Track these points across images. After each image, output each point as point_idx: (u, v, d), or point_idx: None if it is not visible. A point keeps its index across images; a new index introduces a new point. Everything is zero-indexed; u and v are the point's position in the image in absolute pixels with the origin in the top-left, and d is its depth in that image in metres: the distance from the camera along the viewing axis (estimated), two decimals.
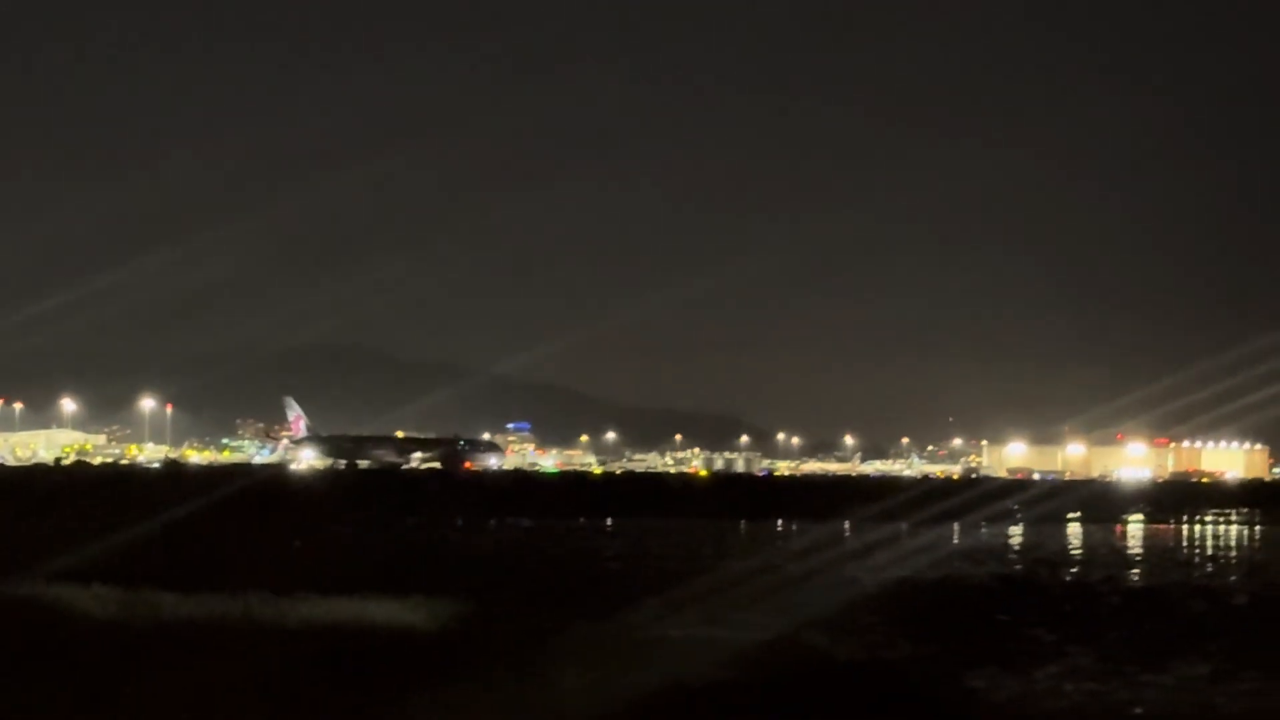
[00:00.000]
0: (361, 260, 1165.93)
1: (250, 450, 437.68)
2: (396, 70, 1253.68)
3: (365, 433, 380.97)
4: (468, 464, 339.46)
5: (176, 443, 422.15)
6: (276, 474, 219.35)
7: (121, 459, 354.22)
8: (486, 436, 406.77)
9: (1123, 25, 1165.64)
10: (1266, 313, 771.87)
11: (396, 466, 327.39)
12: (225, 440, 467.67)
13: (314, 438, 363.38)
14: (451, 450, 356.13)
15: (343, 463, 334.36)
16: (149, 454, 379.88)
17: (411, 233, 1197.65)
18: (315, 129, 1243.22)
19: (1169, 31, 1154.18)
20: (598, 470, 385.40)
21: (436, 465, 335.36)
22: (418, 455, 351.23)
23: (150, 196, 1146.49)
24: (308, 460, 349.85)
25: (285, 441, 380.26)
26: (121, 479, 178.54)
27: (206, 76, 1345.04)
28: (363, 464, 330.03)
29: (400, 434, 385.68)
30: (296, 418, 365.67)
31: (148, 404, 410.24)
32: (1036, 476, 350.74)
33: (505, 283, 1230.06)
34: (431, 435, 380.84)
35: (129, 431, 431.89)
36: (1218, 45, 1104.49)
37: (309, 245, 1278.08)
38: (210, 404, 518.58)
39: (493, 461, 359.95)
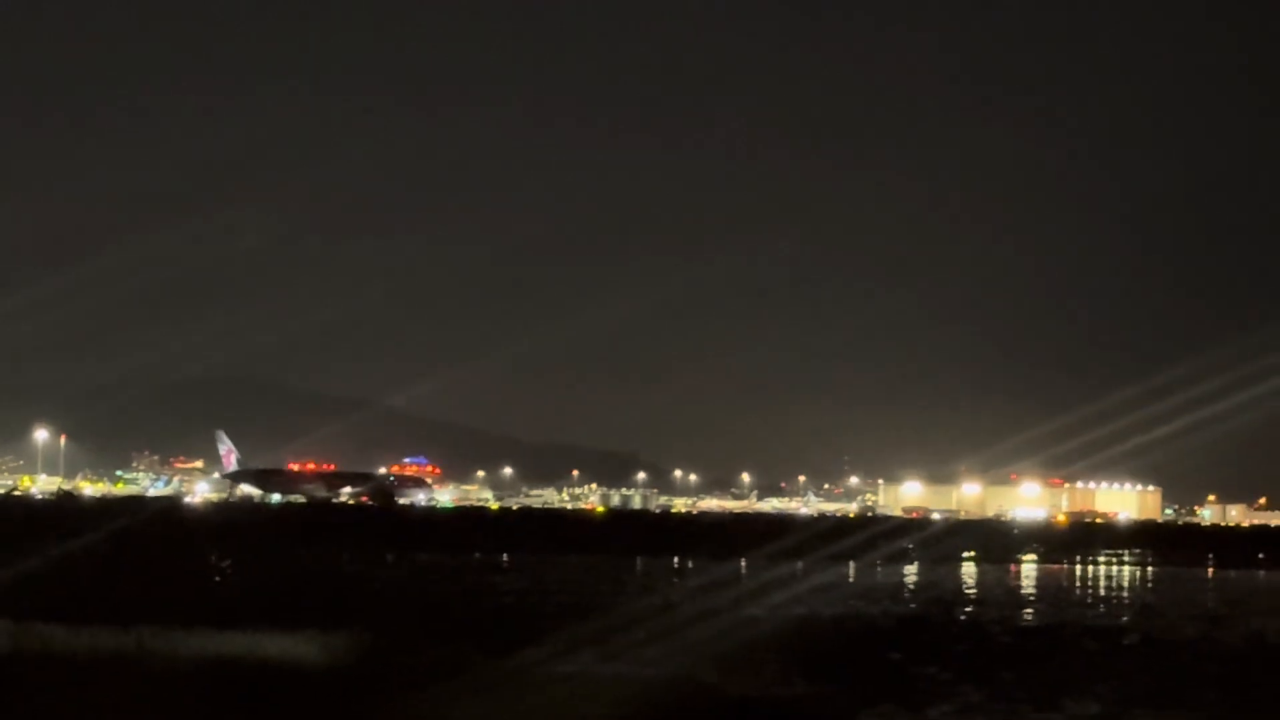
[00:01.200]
0: (256, 292, 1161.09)
1: (145, 482, 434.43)
2: (284, 105, 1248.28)
3: (266, 465, 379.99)
4: (399, 498, 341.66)
5: (70, 474, 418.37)
6: (171, 507, 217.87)
7: (14, 490, 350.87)
8: (382, 471, 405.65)
9: (1011, 64, 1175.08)
10: (1161, 354, 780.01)
11: (327, 500, 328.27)
12: (119, 472, 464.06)
13: (244, 472, 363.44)
14: (381, 485, 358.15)
15: (275, 496, 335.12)
16: (42, 485, 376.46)
17: (307, 265, 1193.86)
18: (209, 161, 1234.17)
19: (1057, 72, 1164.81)
20: (494, 506, 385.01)
21: (365, 500, 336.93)
22: (347, 490, 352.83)
23: (44, 225, 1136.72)
24: (244, 492, 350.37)
25: (216, 475, 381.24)
26: (12, 510, 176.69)
27: (108, 97, 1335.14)
28: (293, 498, 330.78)
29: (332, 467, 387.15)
30: (228, 451, 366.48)
31: (41, 435, 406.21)
32: (937, 516, 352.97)
33: (401, 317, 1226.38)
34: (363, 471, 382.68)
35: (21, 463, 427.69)
36: (1104, 85, 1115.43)
37: (203, 277, 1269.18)
38: (104, 435, 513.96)
39: (421, 496, 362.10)
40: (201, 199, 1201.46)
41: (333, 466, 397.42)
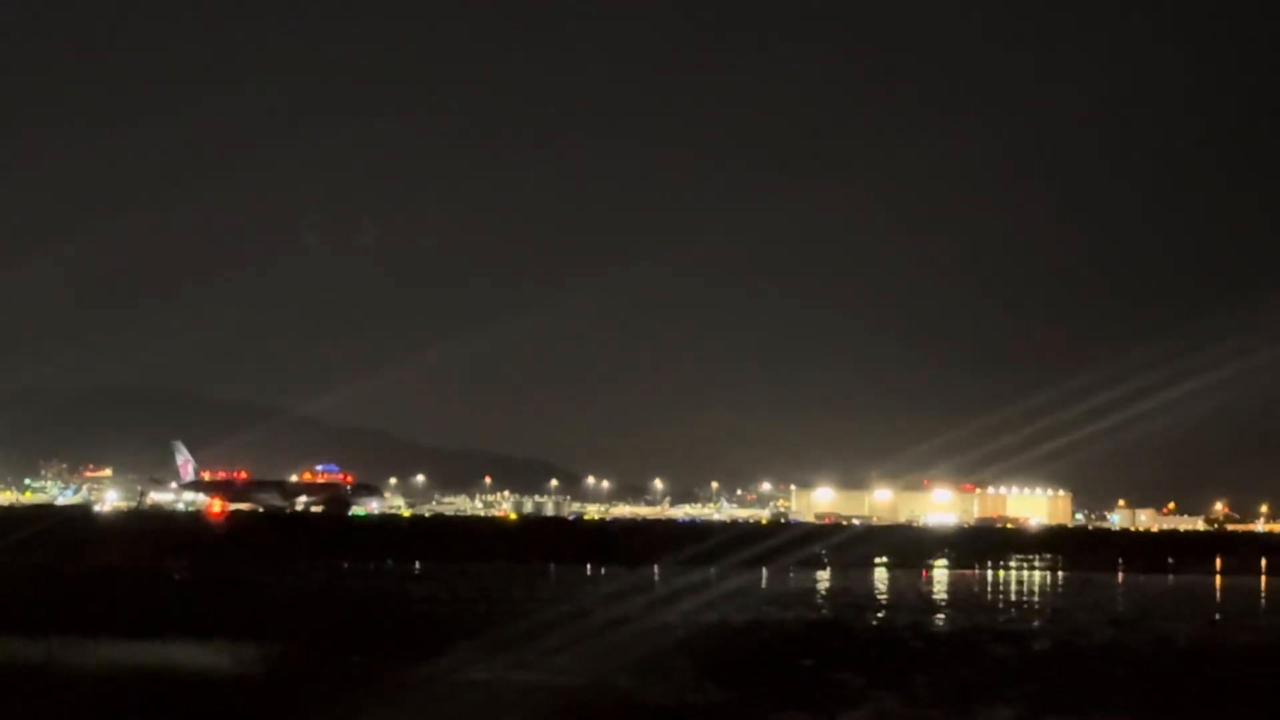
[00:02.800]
0: (167, 300, 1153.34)
1: (54, 491, 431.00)
2: (202, 105, 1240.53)
3: (168, 475, 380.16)
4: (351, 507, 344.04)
5: None
6: (82, 515, 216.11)
7: None
8: (294, 478, 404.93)
9: (922, 79, 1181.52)
10: (1073, 361, 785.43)
11: (281, 510, 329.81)
12: (28, 481, 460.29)
13: (201, 482, 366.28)
14: (337, 494, 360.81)
15: (230, 506, 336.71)
16: None
17: (216, 273, 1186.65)
18: (121, 169, 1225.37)
19: (958, 70, 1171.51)
20: (407, 513, 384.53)
21: (320, 509, 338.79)
22: (303, 499, 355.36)
23: None
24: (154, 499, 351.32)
25: (173, 484, 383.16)
26: None
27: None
28: (246, 507, 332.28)
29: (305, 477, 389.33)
30: (184, 462, 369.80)
31: None
32: (858, 522, 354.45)
33: (312, 324, 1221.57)
34: (322, 479, 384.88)
35: None
36: (1009, 98, 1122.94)
37: (112, 285, 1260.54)
38: (12, 445, 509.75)
39: (374, 505, 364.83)
40: (108, 210, 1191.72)
41: (244, 475, 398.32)
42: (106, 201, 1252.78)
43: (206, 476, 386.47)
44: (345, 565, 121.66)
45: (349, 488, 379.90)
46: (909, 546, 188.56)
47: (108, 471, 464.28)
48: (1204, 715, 43.76)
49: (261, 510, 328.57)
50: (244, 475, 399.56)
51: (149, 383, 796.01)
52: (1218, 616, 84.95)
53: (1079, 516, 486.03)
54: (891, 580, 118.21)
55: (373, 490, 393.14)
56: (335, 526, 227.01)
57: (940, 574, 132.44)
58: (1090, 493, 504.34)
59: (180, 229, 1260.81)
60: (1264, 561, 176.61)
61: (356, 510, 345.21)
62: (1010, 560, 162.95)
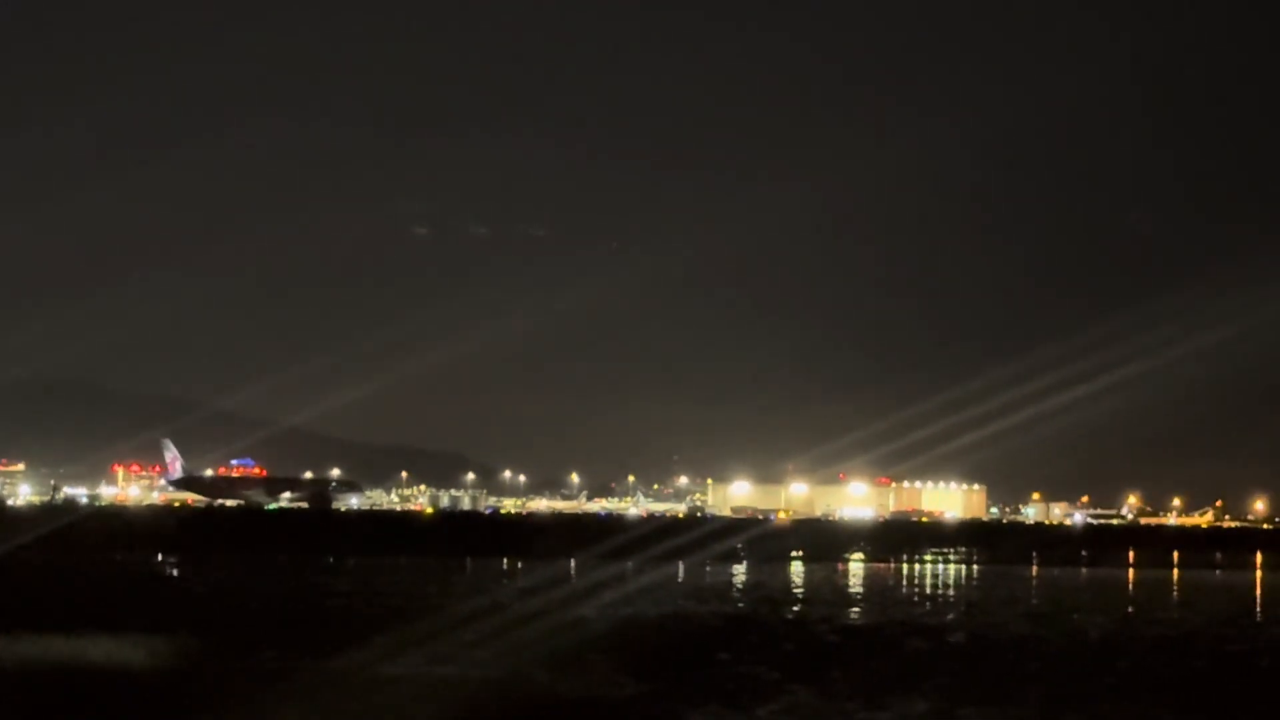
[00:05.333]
0: (79, 293, 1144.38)
1: None
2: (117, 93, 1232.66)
3: (90, 468, 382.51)
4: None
5: None
6: None
7: None
8: (209, 472, 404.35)
9: (844, 55, 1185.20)
10: (987, 355, 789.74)
11: (262, 506, 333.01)
12: None
13: (187, 478, 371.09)
14: (320, 490, 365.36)
15: (220, 501, 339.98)
16: None
17: (128, 263, 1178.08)
18: (23, 158, 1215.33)
19: (896, 66, 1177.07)
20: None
21: (304, 505, 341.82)
22: (286, 495, 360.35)
23: None
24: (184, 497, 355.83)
25: (161, 480, 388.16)
26: None
27: None
28: (230, 503, 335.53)
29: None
30: (173, 459, 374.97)
31: None
32: (784, 516, 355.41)
33: (226, 315, 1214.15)
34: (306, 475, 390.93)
35: None
36: (944, 80, 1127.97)
37: (15, 276, 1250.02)
38: None
39: (354, 500, 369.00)
40: (23, 198, 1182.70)
41: (157, 469, 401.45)
42: (19, 191, 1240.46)
43: (218, 473, 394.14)
44: (256, 559, 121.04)
45: (333, 484, 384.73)
46: (824, 541, 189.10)
47: (21, 466, 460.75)
48: (1114, 707, 44.12)
49: (243, 506, 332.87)
50: (157, 470, 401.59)
51: (59, 376, 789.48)
52: (1130, 609, 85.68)
53: (993, 510, 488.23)
54: (807, 574, 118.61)
55: (353, 486, 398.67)
56: (247, 520, 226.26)
57: (856, 567, 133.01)
58: (1005, 487, 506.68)
59: (83, 223, 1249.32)
60: (1176, 555, 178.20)
61: (338, 505, 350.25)
62: (925, 554, 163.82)
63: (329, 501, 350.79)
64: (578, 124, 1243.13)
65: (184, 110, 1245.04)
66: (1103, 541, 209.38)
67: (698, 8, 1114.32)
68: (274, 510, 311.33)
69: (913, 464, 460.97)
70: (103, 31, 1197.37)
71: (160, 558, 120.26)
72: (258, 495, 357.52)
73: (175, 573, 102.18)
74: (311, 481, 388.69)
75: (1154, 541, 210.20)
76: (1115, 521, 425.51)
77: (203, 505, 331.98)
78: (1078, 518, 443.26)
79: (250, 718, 34.33)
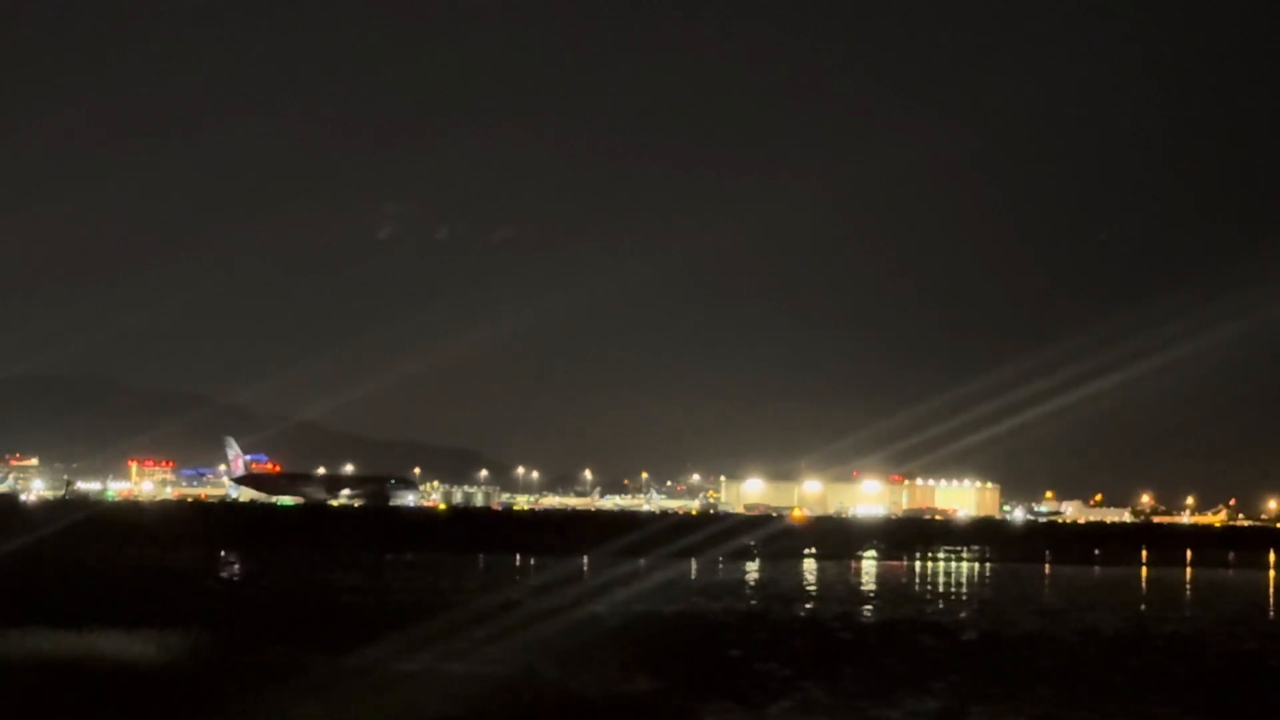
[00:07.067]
0: (90, 288, 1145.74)
1: None
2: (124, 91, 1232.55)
3: (104, 462, 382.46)
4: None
5: None
6: (8, 504, 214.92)
7: None
8: (223, 468, 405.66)
9: (846, 58, 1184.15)
10: (1002, 352, 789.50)
11: (323, 503, 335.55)
12: None
13: (250, 475, 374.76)
14: (379, 488, 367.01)
15: (281, 499, 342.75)
16: None
17: (141, 260, 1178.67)
18: (29, 156, 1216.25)
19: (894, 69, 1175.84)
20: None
21: (362, 501, 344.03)
22: (346, 492, 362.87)
23: None
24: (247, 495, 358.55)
25: (225, 478, 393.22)
26: None
27: None
28: (289, 500, 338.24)
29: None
30: (235, 456, 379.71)
31: None
32: (796, 514, 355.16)
33: (240, 312, 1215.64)
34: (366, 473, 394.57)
35: None
36: (947, 83, 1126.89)
37: (33, 272, 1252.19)
38: None
39: (410, 498, 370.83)
40: (32, 194, 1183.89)
41: (171, 464, 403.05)
42: (30, 188, 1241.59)
43: (135, 464, 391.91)
44: (270, 556, 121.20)
45: (390, 481, 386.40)
46: (838, 538, 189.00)
47: (34, 460, 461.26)
48: (1126, 706, 44.07)
49: (304, 502, 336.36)
50: (170, 464, 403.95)
51: (73, 371, 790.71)
52: (1143, 607, 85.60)
53: (1007, 509, 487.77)
54: (820, 571, 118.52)
55: (410, 484, 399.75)
56: (252, 517, 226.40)
57: (869, 565, 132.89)
58: (1018, 484, 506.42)
59: (100, 218, 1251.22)
60: (1189, 553, 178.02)
61: (394, 502, 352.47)
62: (938, 551, 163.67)
63: (386, 499, 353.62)
64: (603, 123, 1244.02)
65: (205, 103, 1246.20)
66: (1106, 540, 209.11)
67: (698, 8, 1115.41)
68: (290, 507, 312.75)
69: (926, 461, 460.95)
70: (104, 33, 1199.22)
71: (173, 554, 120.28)
72: (317, 492, 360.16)
73: (186, 569, 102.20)
74: (370, 479, 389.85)
75: (1166, 540, 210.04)
76: (1059, 519, 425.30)
77: (213, 501, 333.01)
78: (1019, 514, 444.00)
79: (261, 714, 34.32)
